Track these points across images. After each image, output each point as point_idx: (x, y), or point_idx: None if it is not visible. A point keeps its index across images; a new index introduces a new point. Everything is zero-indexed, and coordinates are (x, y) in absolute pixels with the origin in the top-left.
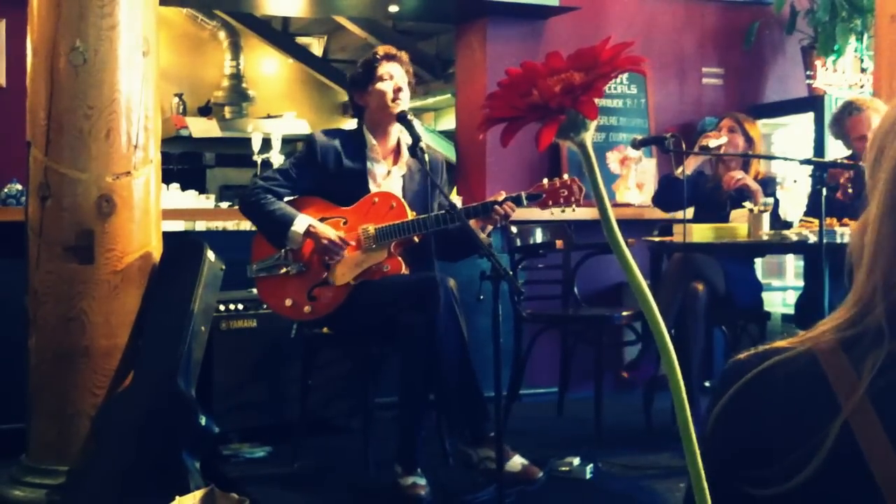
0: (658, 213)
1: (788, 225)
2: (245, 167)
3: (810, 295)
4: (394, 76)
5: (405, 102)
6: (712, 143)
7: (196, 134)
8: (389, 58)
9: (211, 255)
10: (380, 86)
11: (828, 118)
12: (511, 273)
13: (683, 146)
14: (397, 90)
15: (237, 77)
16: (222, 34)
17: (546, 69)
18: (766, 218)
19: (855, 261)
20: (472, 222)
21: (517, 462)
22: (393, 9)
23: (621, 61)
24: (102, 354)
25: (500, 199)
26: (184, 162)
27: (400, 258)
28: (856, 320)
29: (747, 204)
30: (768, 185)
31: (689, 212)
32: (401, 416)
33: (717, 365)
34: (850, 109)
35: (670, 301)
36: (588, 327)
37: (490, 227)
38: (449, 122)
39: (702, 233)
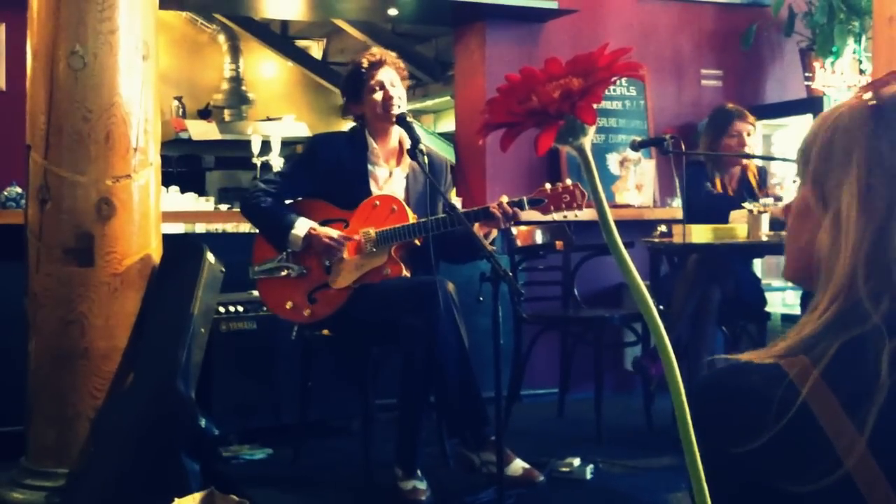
0: (657, 214)
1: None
2: (244, 170)
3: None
4: (384, 82)
5: (402, 103)
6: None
7: (195, 136)
8: (375, 66)
9: (210, 257)
10: (372, 97)
11: None
12: (511, 274)
13: (683, 147)
14: (389, 98)
15: (236, 80)
16: (221, 37)
17: (545, 75)
18: (765, 218)
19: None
20: (476, 226)
21: (518, 466)
22: (392, 12)
23: (619, 67)
24: (102, 357)
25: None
26: (183, 164)
27: (401, 261)
28: (822, 336)
29: (746, 204)
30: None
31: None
32: (401, 419)
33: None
34: None
35: (686, 302)
36: (588, 328)
37: (494, 233)
38: (448, 124)
39: (701, 233)
